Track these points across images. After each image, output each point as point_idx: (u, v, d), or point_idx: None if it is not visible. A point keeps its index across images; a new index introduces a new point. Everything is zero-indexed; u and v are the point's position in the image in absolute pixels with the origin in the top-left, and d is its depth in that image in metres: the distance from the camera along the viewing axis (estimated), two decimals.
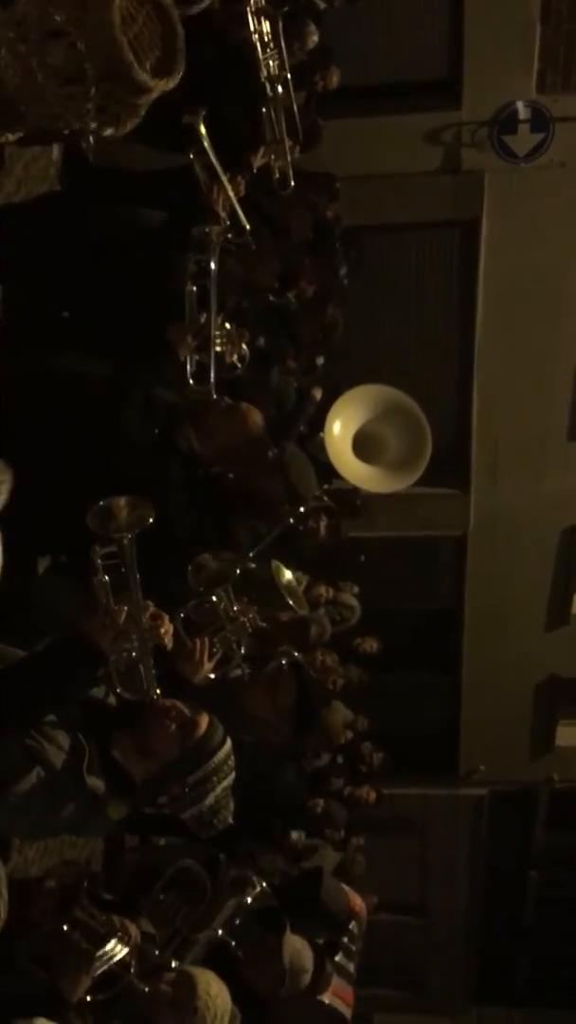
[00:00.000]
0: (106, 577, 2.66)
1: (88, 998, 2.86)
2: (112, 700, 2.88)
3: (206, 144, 4.07)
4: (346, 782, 7.32)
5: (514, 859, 11.11)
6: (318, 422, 6.05)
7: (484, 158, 7.76)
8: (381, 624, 7.89)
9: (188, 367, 3.84)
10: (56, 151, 6.05)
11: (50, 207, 4.74)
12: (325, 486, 6.26)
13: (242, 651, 3.66)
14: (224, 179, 4.19)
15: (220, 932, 4.04)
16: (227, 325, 3.99)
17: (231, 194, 4.22)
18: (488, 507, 9.04)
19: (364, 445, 5.85)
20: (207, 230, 3.81)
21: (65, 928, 2.86)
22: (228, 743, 2.79)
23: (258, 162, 5.04)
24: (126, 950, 2.95)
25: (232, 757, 2.80)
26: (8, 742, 2.56)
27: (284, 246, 5.26)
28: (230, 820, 2.87)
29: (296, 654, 4.29)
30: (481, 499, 9.03)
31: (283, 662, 3.93)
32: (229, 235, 4.21)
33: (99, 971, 2.87)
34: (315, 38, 5.82)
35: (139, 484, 2.78)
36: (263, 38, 4.65)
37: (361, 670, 7.52)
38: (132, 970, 2.97)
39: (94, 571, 2.68)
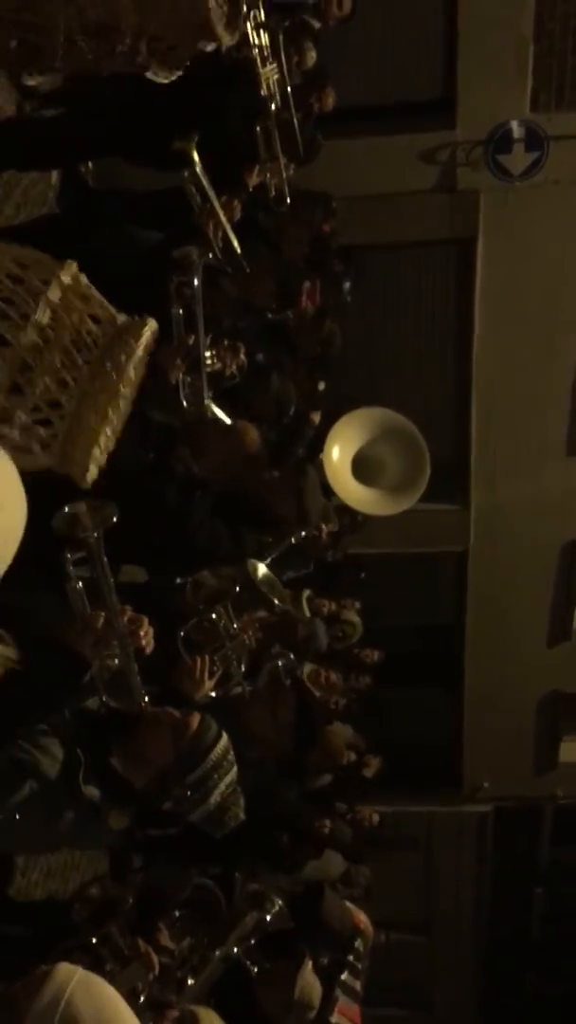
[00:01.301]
0: (79, 584, 2.67)
1: None
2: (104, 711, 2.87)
3: (198, 169, 4.10)
4: (349, 799, 7.27)
5: (520, 875, 11.06)
6: (317, 445, 6.09)
7: (479, 177, 7.81)
8: (382, 641, 7.89)
9: (181, 389, 3.83)
10: (55, 176, 6.12)
11: (48, 230, 4.77)
12: (323, 504, 6.28)
13: (243, 669, 3.67)
14: (217, 203, 4.20)
15: (236, 950, 4.02)
16: (212, 350, 3.97)
17: (223, 219, 4.24)
18: (488, 522, 9.06)
19: (363, 468, 5.89)
20: (188, 251, 3.78)
21: (94, 941, 2.86)
22: (224, 739, 2.77)
23: (254, 180, 5.07)
24: (142, 980, 2.94)
25: (231, 753, 2.77)
26: None
27: (281, 264, 5.29)
28: (242, 816, 2.83)
29: (291, 656, 4.30)
30: (481, 514, 9.05)
31: (279, 664, 3.94)
32: (216, 257, 4.22)
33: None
34: (314, 55, 5.87)
35: (134, 509, 2.78)
36: (263, 52, 4.67)
37: (367, 679, 7.53)
38: (142, 999, 2.96)
39: (67, 578, 2.68)
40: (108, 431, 2.17)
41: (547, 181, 7.85)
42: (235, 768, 2.78)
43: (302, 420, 6.02)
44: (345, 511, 6.36)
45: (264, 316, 5.28)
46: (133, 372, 2.21)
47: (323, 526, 5.56)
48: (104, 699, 2.80)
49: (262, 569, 4.16)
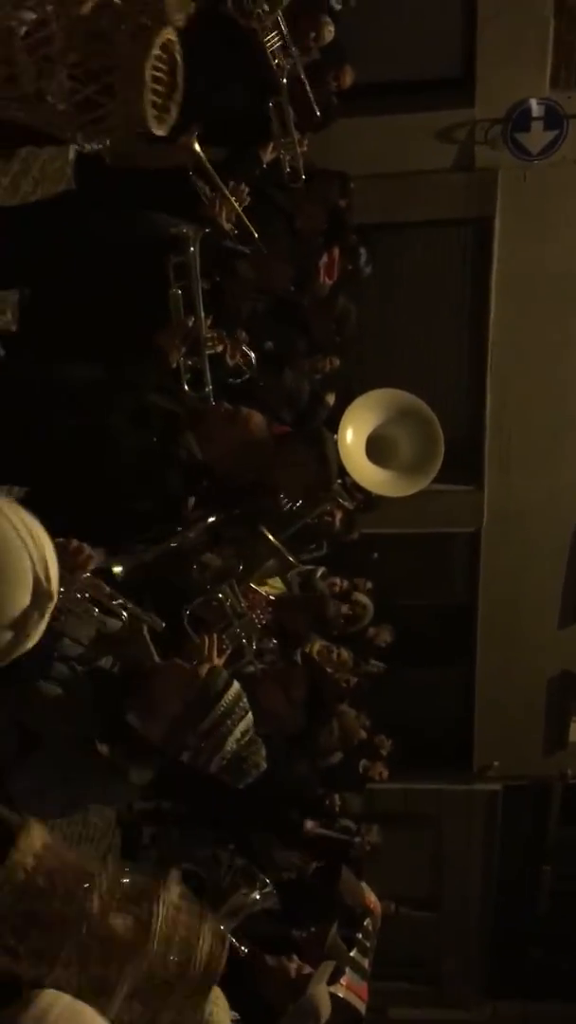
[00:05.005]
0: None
1: None
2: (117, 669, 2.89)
3: (203, 161, 4.07)
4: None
5: (528, 854, 11.13)
6: (331, 426, 6.08)
7: (497, 156, 7.78)
8: (394, 620, 7.92)
9: (181, 372, 3.80)
10: (72, 152, 6.10)
11: (65, 207, 4.77)
12: (339, 481, 6.30)
13: (254, 647, 3.69)
14: (226, 190, 4.18)
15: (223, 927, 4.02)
16: (213, 332, 3.95)
17: (235, 205, 4.21)
18: (501, 503, 9.06)
19: (377, 449, 5.88)
20: (184, 230, 3.75)
21: None
22: (235, 687, 2.76)
23: (268, 157, 5.05)
24: None
25: (244, 699, 2.76)
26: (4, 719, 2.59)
27: (298, 242, 5.26)
28: (264, 765, 2.81)
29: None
30: (494, 495, 9.04)
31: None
32: (231, 240, 4.20)
33: None
34: (331, 29, 5.82)
35: (135, 493, 2.78)
36: (269, 26, 4.63)
37: (378, 662, 7.55)
38: None
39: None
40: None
41: (566, 160, 7.80)
42: (250, 715, 2.76)
43: (317, 400, 6.03)
44: (358, 490, 6.37)
45: (276, 298, 5.26)
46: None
47: (336, 506, 5.58)
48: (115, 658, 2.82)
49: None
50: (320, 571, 6.22)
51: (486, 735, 10.11)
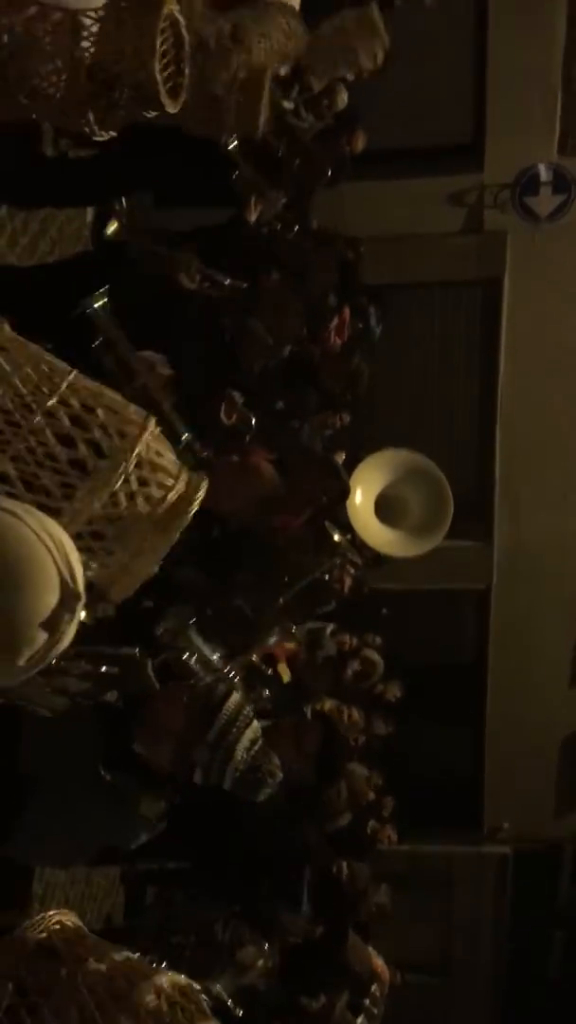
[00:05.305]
0: None
1: None
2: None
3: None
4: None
5: (539, 918, 10.92)
6: None
7: (506, 219, 7.90)
8: (403, 677, 7.87)
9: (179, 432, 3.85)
10: (89, 214, 6.24)
11: (83, 267, 4.88)
12: (348, 536, 6.32)
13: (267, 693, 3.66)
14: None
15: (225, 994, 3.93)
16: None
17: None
18: (511, 560, 9.04)
19: (386, 508, 5.92)
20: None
21: None
22: (236, 695, 2.75)
23: (254, 215, 5.14)
24: None
25: (247, 708, 2.74)
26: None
27: (309, 296, 5.33)
28: (279, 775, 2.78)
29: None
30: (504, 552, 9.04)
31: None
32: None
33: None
34: (345, 97, 5.98)
35: None
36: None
37: (386, 722, 7.47)
38: None
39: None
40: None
41: (574, 223, 7.92)
42: (255, 724, 2.74)
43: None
44: (367, 546, 6.38)
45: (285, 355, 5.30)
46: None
47: (345, 571, 5.58)
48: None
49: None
50: (330, 628, 6.21)
51: (496, 796, 9.98)
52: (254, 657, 4.11)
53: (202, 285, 4.33)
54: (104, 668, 2.79)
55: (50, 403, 1.86)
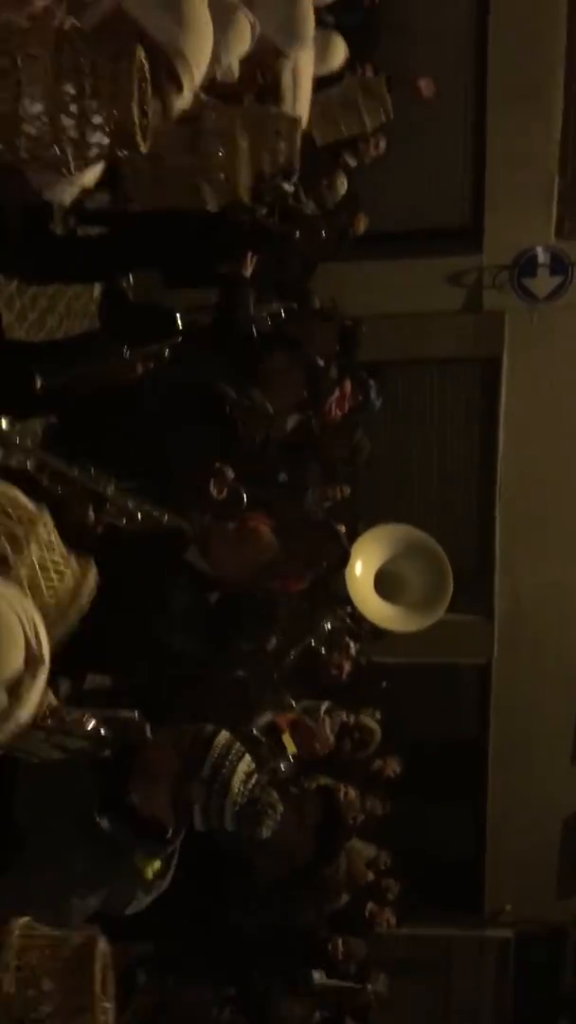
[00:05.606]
0: None
1: None
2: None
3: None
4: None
5: (542, 1005, 10.61)
6: None
7: (505, 299, 8.07)
8: (402, 753, 7.78)
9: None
10: (97, 289, 6.39)
11: (89, 343, 4.98)
12: (348, 608, 6.31)
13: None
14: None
15: None
16: None
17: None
18: (512, 635, 9.01)
19: (386, 583, 5.93)
20: None
21: None
22: (224, 733, 2.72)
23: (249, 268, 5.23)
24: None
25: (237, 744, 2.71)
26: None
27: (309, 367, 5.39)
28: (280, 808, 2.75)
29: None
30: (504, 626, 9.01)
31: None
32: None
33: None
34: (344, 184, 6.17)
35: (142, 611, 2.81)
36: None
37: (383, 802, 7.35)
38: None
39: None
40: None
41: (572, 304, 8.09)
42: (247, 757, 2.70)
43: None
44: (365, 620, 6.36)
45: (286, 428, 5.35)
46: None
47: (344, 657, 5.57)
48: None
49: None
50: (325, 705, 6.15)
51: (497, 877, 9.78)
52: (254, 730, 4.07)
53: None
54: (103, 730, 2.81)
55: None
